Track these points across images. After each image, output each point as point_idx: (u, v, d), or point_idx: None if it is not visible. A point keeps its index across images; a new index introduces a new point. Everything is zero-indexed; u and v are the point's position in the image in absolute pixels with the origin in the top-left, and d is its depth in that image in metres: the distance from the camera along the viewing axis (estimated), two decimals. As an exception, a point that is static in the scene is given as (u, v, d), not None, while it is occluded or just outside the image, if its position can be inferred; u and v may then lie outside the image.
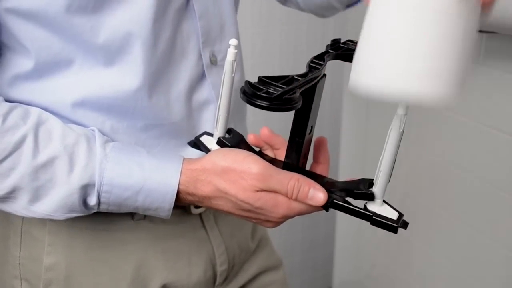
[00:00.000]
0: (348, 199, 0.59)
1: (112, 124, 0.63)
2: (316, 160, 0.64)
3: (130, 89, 0.62)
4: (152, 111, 0.64)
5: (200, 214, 0.73)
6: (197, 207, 0.70)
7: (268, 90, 0.52)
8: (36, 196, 0.59)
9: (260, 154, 0.65)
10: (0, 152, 0.57)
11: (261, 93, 0.51)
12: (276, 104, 0.51)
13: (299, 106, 0.53)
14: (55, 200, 0.59)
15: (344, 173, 1.59)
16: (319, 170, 0.63)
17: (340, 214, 1.70)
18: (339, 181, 0.61)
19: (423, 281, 1.37)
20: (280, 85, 0.53)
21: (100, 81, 0.61)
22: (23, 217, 0.67)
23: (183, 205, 0.68)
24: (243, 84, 0.55)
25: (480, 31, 0.98)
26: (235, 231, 0.77)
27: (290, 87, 0.52)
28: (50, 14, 0.57)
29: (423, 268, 1.35)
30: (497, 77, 1.05)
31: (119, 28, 0.59)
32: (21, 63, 0.61)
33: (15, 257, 0.69)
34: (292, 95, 0.52)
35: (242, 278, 0.80)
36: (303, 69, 0.59)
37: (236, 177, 0.57)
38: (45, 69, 0.61)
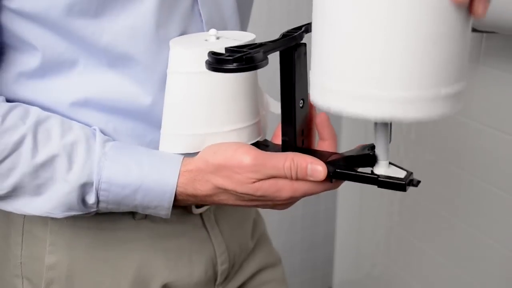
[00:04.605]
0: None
1: (115, 125, 0.63)
2: (321, 137, 0.63)
3: (132, 93, 0.62)
4: (156, 114, 0.64)
5: (200, 214, 0.73)
6: (198, 207, 0.70)
7: (230, 55, 0.51)
8: (36, 194, 0.59)
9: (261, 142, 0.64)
10: None
11: (222, 57, 0.50)
12: (238, 65, 0.50)
13: (264, 65, 0.52)
14: (54, 198, 0.59)
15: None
16: (326, 146, 0.62)
17: (340, 214, 1.70)
18: (344, 153, 0.59)
19: (423, 281, 1.37)
20: (244, 50, 0.52)
21: (103, 82, 0.61)
22: (24, 216, 0.67)
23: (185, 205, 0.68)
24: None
25: (480, 31, 0.98)
26: (236, 230, 0.77)
27: (252, 50, 0.52)
28: (51, 17, 0.57)
29: (423, 268, 1.35)
30: (497, 77, 1.05)
31: (122, 33, 0.59)
32: (26, 61, 0.61)
33: (16, 256, 0.69)
34: (253, 54, 0.51)
35: (241, 276, 0.80)
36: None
37: (230, 172, 0.57)
38: (49, 67, 0.61)
